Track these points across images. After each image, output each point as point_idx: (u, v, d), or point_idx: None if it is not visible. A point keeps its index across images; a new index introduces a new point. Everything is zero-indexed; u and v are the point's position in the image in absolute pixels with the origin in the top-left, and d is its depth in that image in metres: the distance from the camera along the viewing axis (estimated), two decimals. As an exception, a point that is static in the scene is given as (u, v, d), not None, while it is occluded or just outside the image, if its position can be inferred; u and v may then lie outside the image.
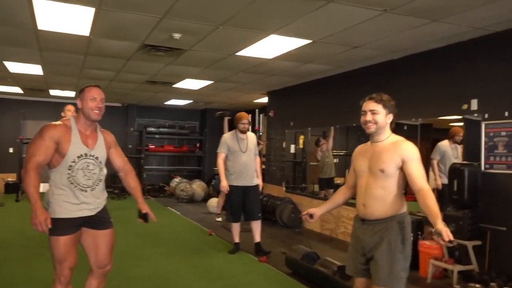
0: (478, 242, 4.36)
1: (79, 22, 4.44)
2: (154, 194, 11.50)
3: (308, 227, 7.37)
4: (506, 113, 4.32)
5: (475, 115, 4.62)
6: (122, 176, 2.96)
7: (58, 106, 5.70)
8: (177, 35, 4.74)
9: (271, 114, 8.99)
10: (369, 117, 2.55)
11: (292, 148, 8.56)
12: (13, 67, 7.02)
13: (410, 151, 2.50)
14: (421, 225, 5.05)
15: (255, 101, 10.38)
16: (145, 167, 11.94)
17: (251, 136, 5.49)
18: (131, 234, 6.38)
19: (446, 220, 4.55)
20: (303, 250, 4.66)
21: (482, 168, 4.52)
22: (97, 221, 2.75)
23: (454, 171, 4.56)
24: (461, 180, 4.45)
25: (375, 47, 5.12)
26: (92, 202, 2.71)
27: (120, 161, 2.94)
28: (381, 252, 2.47)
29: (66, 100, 10.74)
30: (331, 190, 7.60)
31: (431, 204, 2.30)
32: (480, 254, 4.38)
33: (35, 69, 7.14)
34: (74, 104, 8.56)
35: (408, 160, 2.47)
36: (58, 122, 2.73)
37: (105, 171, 2.84)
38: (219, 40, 4.99)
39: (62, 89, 9.73)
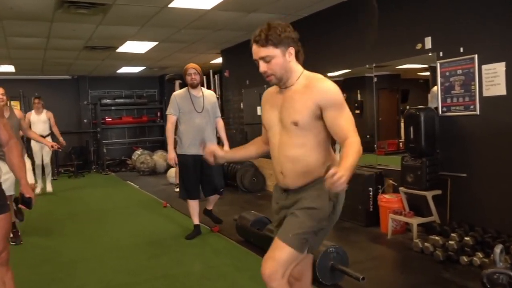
0: (438, 192, 4.06)
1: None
2: (115, 169, 10.96)
3: (270, 190, 7.03)
4: (461, 49, 3.92)
5: (429, 54, 4.21)
6: (6, 152, 2.45)
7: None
8: (90, -14, 4.12)
9: (226, 74, 8.45)
10: (263, 67, 1.93)
11: (259, 110, 8.11)
12: None
13: (328, 93, 1.89)
14: (381, 178, 4.73)
15: (211, 61, 9.77)
16: (104, 141, 11.34)
17: (208, 94, 4.56)
18: (80, 212, 5.92)
19: (404, 170, 4.27)
20: (254, 215, 4.29)
21: (439, 111, 4.16)
22: None
23: (410, 117, 4.19)
24: (417, 126, 4.08)
25: (319, -14, 4.61)
26: None
27: (5, 134, 2.41)
28: (297, 208, 1.94)
29: (4, 77, 9.94)
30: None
31: (346, 154, 1.76)
32: (441, 204, 4.09)
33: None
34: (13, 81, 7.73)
35: (329, 105, 1.87)
36: None
37: None
38: (142, -11, 4.40)
39: (1, 64, 8.91)
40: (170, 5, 5.02)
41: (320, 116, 1.90)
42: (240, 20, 6.01)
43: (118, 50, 7.79)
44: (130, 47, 7.52)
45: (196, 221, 4.55)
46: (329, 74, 5.74)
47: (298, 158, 1.96)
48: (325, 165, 1.92)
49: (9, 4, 4.69)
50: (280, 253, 1.90)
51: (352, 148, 1.79)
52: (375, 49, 4.87)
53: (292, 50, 1.94)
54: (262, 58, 1.92)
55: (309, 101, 1.89)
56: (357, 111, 5.76)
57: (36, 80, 10.84)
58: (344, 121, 1.87)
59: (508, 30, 3.55)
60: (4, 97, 4.49)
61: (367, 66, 5.02)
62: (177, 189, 7.26)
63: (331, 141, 2.00)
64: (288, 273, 1.94)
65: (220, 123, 4.66)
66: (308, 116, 1.90)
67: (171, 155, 4.45)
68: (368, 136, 5.59)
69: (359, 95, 5.85)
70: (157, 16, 5.51)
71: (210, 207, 4.77)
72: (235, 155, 2.42)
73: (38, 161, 7.44)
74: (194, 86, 4.42)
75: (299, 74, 1.98)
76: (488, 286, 2.73)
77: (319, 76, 1.97)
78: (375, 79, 5.08)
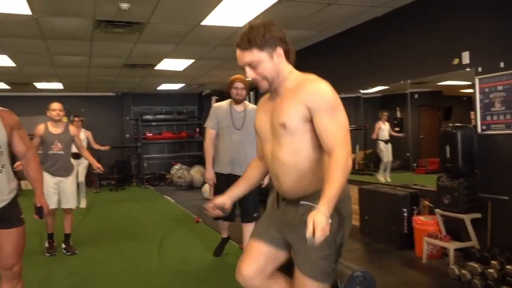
0: (477, 215, 3.80)
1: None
2: (154, 183, 11.18)
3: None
4: (502, 64, 3.70)
5: (467, 69, 4.01)
6: (23, 164, 2.52)
7: (47, 100, 5.12)
8: (124, 5, 4.25)
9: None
10: (250, 74, 1.76)
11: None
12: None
13: (317, 94, 1.67)
14: (417, 198, 4.51)
15: (248, 78, 9.84)
16: (144, 156, 11.64)
17: (251, 109, 3.93)
18: (116, 226, 6.04)
19: (440, 191, 4.03)
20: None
21: (479, 130, 3.93)
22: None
23: (446, 136, 3.97)
24: (454, 145, 3.86)
25: (351, 2, 4.52)
26: None
27: (23, 147, 2.49)
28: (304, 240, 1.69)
29: (54, 94, 10.44)
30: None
31: (331, 175, 1.59)
32: (481, 229, 3.83)
33: (4, 60, 6.80)
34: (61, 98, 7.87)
35: (318, 109, 1.66)
36: None
37: (6, 156, 2.41)
38: (173, 7, 4.49)
39: (48, 81, 9.39)
40: (203, 23, 5.09)
41: (310, 119, 1.70)
42: (273, 37, 6.01)
43: (156, 68, 8.00)
44: (168, 64, 7.71)
45: (224, 234, 4.39)
46: (364, 91, 5.61)
47: (291, 167, 1.77)
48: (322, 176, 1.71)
49: (49, 24, 4.93)
50: None
51: (337, 168, 1.60)
52: (410, 65, 4.71)
53: (280, 50, 1.75)
54: (248, 64, 1.74)
55: (296, 101, 1.70)
56: (397, 128, 5.58)
57: (82, 97, 11.34)
58: (333, 127, 1.66)
59: (553, 43, 3.32)
60: (61, 113, 4.50)
61: (402, 82, 4.85)
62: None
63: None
64: None
65: None
66: (296, 118, 1.71)
67: (210, 175, 4.00)
68: (407, 154, 5.39)
69: (398, 112, 5.66)
70: (190, 34, 5.61)
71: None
72: (241, 190, 2.13)
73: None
74: (238, 102, 3.94)
75: (289, 74, 1.80)
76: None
77: (312, 76, 1.77)
78: (416, 96, 4.90)
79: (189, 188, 10.10)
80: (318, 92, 1.69)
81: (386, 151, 5.73)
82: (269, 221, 2.00)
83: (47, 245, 4.64)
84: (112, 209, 7.70)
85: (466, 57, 4.02)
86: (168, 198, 8.81)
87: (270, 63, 1.74)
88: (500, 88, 3.72)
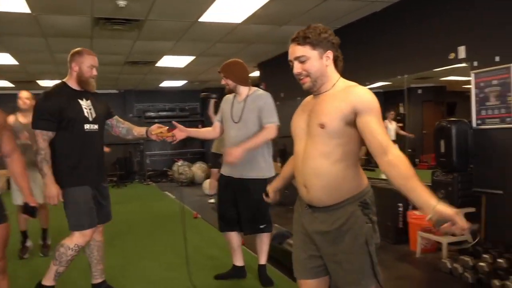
0: (471, 209, 3.81)
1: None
2: (156, 179, 11.26)
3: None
4: (497, 58, 3.70)
5: (463, 64, 4.01)
6: (8, 162, 2.50)
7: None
8: (122, 3, 4.30)
9: (262, 87, 8.48)
10: (297, 68, 1.79)
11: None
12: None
13: (366, 97, 1.71)
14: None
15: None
16: (147, 152, 11.72)
17: (251, 99, 3.28)
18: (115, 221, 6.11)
19: (435, 185, 4.04)
20: (277, 229, 4.22)
21: (474, 124, 3.94)
22: None
23: (440, 130, 3.99)
24: (448, 140, 3.88)
25: (348, -4, 4.54)
26: None
27: (8, 147, 2.45)
28: (345, 251, 1.76)
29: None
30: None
31: (410, 176, 1.55)
32: (475, 223, 3.83)
33: (6, 58, 6.88)
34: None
35: (364, 110, 1.68)
36: None
37: None
38: (170, 3, 4.53)
39: (51, 79, 9.47)
40: (200, 20, 5.13)
41: (352, 122, 1.70)
42: (273, 33, 6.03)
43: (157, 65, 8.05)
44: (169, 61, 7.76)
45: (236, 261, 3.51)
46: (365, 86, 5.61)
47: (323, 170, 1.76)
48: (352, 184, 1.77)
49: (49, 22, 4.99)
50: None
51: (406, 163, 1.58)
52: (407, 59, 4.72)
53: (330, 54, 1.81)
54: (297, 58, 1.80)
55: (342, 104, 1.72)
56: (400, 124, 5.58)
57: (85, 94, 11.41)
58: (381, 130, 1.66)
59: (546, 37, 3.32)
60: (28, 101, 4.30)
61: (399, 77, 4.86)
62: (211, 200, 7.35)
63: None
64: None
65: (265, 131, 3.18)
66: (337, 120, 1.71)
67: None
68: (409, 150, 5.40)
69: (401, 108, 5.66)
70: (190, 31, 5.65)
71: (262, 261, 3.47)
72: (279, 184, 2.19)
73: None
74: (230, 92, 3.44)
75: (336, 80, 1.84)
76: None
77: (357, 84, 1.81)
78: (419, 91, 4.91)
79: (190, 184, 10.16)
80: (366, 96, 1.72)
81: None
82: (302, 246, 1.94)
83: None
84: (113, 204, 7.76)
85: (462, 52, 4.03)
86: (169, 194, 8.87)
87: (318, 62, 1.79)
88: (495, 82, 3.73)
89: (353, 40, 5.59)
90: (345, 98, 1.72)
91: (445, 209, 1.46)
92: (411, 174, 1.56)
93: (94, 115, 2.95)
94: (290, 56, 1.82)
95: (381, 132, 1.66)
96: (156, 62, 7.80)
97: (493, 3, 3.75)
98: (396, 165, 1.59)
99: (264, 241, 3.43)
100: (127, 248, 4.76)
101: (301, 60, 1.78)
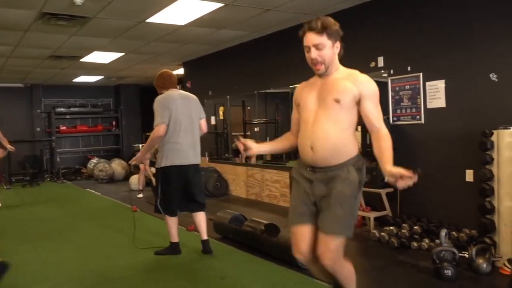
0: (390, 190, 4.70)
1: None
2: (70, 177, 10.88)
3: (234, 194, 7.46)
4: (409, 68, 4.63)
5: (382, 71, 4.90)
6: None
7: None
8: (79, 1, 4.38)
9: (188, 85, 8.81)
10: (314, 54, 2.09)
11: (213, 120, 8.52)
12: None
13: (370, 86, 2.13)
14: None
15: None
16: (58, 150, 11.24)
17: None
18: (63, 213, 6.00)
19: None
20: (230, 213, 4.71)
21: (391, 121, 4.84)
22: None
23: (365, 126, 4.82)
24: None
25: (286, 9, 5.16)
26: None
27: None
28: (336, 198, 2.10)
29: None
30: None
31: (385, 148, 2.04)
32: (393, 200, 4.75)
33: None
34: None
35: (368, 96, 2.09)
36: None
37: None
38: (127, 5, 4.71)
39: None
40: (148, 20, 5.35)
41: (357, 101, 2.10)
42: (209, 36, 6.44)
43: (82, 60, 7.91)
44: (96, 57, 7.69)
45: (175, 238, 4.09)
46: (273, 90, 6.26)
47: (331, 133, 2.10)
48: (351, 148, 2.14)
49: (-10, 14, 4.82)
50: (335, 243, 2.13)
51: (388, 140, 2.08)
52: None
53: (339, 44, 2.15)
54: (315, 45, 2.08)
55: (352, 87, 2.09)
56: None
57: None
58: (377, 112, 2.11)
59: (448, 53, 4.27)
60: None
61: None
62: (139, 195, 7.51)
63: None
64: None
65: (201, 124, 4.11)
66: (349, 98, 2.09)
67: None
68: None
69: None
70: (132, 30, 5.81)
71: (205, 236, 4.13)
72: (269, 147, 2.56)
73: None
74: None
75: (338, 66, 2.20)
76: (437, 261, 3.35)
77: (358, 71, 2.21)
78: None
79: (110, 181, 10.07)
80: (369, 83, 2.14)
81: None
82: (300, 202, 2.25)
83: None
84: (38, 204, 7.48)
85: (381, 61, 4.91)
86: (93, 191, 8.75)
87: (331, 51, 2.12)
88: (407, 87, 4.66)
89: (284, 47, 6.24)
90: (354, 82, 2.12)
91: (395, 169, 1.93)
92: (386, 147, 2.06)
93: None
94: (307, 42, 2.12)
95: (377, 115, 2.13)
96: (82, 57, 7.67)
97: (407, 19, 4.66)
98: (381, 139, 2.10)
99: (204, 220, 4.15)
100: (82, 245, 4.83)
101: (319, 47, 2.09)
